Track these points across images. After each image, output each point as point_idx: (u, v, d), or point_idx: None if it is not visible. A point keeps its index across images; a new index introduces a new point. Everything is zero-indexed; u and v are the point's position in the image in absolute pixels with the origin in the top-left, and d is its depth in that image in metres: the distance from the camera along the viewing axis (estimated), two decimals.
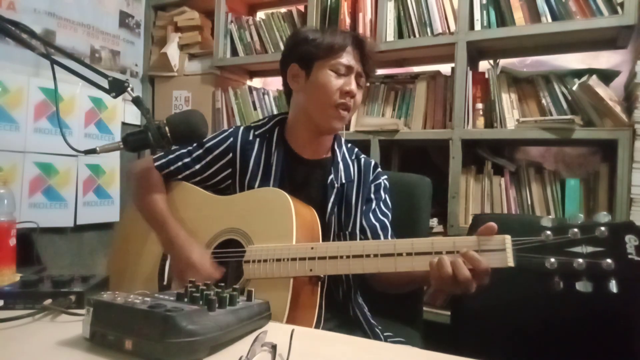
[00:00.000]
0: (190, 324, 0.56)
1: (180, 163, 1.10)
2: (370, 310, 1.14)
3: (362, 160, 1.17)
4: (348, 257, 0.86)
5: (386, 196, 1.18)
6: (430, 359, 0.63)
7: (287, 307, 0.85)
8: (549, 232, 0.72)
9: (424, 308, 1.78)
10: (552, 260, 0.71)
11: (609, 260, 0.67)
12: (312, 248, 0.89)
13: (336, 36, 1.05)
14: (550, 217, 0.74)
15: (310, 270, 0.87)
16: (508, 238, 0.76)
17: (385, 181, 1.19)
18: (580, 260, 0.69)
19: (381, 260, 0.84)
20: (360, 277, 1.12)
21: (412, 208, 1.29)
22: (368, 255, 0.85)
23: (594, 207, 1.60)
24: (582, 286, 0.69)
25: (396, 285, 1.07)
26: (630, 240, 0.67)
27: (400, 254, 0.83)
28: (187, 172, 1.10)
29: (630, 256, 0.66)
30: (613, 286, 0.67)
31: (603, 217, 0.70)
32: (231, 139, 1.11)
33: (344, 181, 1.10)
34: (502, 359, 0.83)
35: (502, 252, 0.76)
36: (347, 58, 1.04)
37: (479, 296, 1.10)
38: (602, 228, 0.69)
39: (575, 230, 0.70)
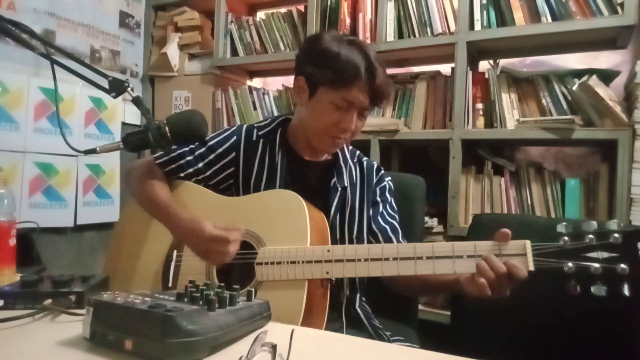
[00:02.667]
0: (190, 324, 0.56)
1: (182, 161, 1.08)
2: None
3: (365, 163, 1.17)
4: (367, 260, 0.86)
5: (392, 198, 1.17)
6: (430, 359, 0.63)
7: (303, 310, 0.84)
8: (566, 238, 0.76)
9: (424, 308, 1.78)
10: (570, 264, 0.75)
11: (623, 265, 0.71)
12: (328, 251, 0.88)
13: (350, 63, 0.96)
14: (564, 223, 0.77)
15: (327, 273, 0.87)
16: (528, 243, 0.79)
17: (389, 183, 1.18)
18: (597, 265, 0.73)
19: (401, 263, 0.84)
20: (371, 282, 1.11)
21: (407, 208, 1.29)
22: (387, 259, 0.85)
23: (594, 207, 1.60)
24: (597, 290, 0.73)
25: (421, 290, 1.06)
26: None
27: (420, 258, 0.84)
28: (190, 170, 1.09)
29: None
30: (625, 290, 0.71)
31: (614, 224, 0.74)
32: (234, 137, 1.10)
33: (346, 184, 1.10)
34: (502, 359, 0.83)
35: (523, 257, 0.79)
36: (354, 94, 0.97)
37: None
38: (616, 235, 0.73)
39: (591, 236, 0.74)
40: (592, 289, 0.73)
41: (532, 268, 0.77)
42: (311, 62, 1.02)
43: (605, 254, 0.73)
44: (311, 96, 1.03)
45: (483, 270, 0.80)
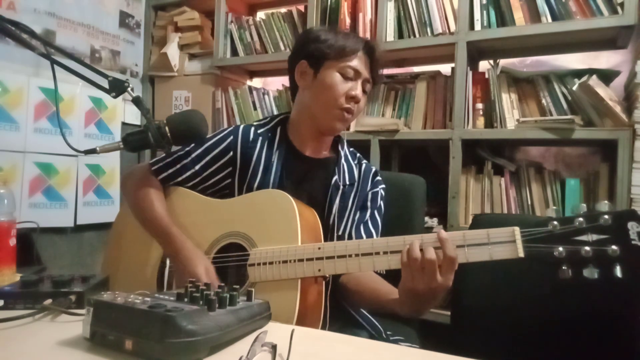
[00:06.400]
0: (190, 324, 0.56)
1: (179, 165, 1.08)
2: None
3: (363, 165, 1.17)
4: (357, 255, 0.85)
5: (382, 203, 1.16)
6: (430, 359, 0.63)
7: (297, 309, 0.84)
8: (555, 223, 0.74)
9: None
10: (560, 249, 0.73)
11: (614, 247, 0.70)
12: (319, 248, 0.88)
13: (349, 39, 1.06)
14: (554, 207, 0.76)
15: (319, 270, 0.87)
16: (517, 229, 0.78)
17: (382, 190, 1.17)
18: (587, 248, 0.72)
19: (392, 257, 0.83)
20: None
21: (407, 208, 1.29)
22: (378, 253, 0.84)
23: (594, 207, 1.59)
24: (588, 273, 0.71)
25: (367, 304, 1.06)
26: (632, 227, 0.70)
27: None
28: (187, 174, 1.08)
29: (633, 242, 0.69)
30: (618, 271, 0.69)
31: (604, 205, 0.73)
32: (231, 137, 1.10)
33: (347, 183, 1.10)
34: (502, 359, 0.83)
35: (512, 244, 0.77)
36: (357, 63, 1.05)
37: (479, 295, 1.10)
38: (606, 216, 0.71)
39: (581, 219, 0.73)
40: (584, 272, 0.72)
41: (522, 254, 0.76)
42: (312, 44, 1.07)
43: (595, 237, 0.72)
44: (316, 74, 1.07)
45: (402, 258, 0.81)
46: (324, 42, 1.05)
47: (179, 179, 1.09)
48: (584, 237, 0.72)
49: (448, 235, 0.79)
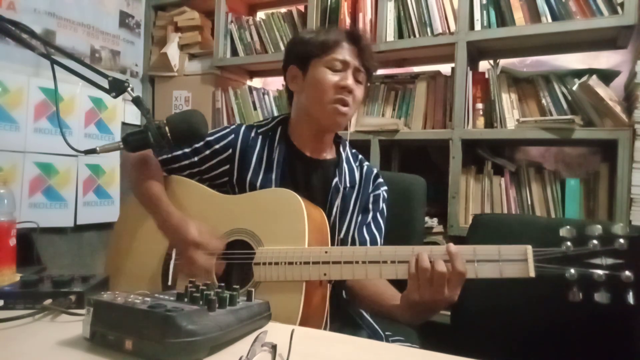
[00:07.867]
0: (190, 324, 0.56)
1: (179, 152, 1.09)
2: None
3: (365, 167, 1.17)
4: (365, 262, 0.85)
5: (384, 205, 1.16)
6: (430, 359, 0.63)
7: (300, 311, 0.84)
8: (569, 244, 0.73)
9: None
10: (572, 271, 0.72)
11: (627, 273, 0.68)
12: (326, 252, 0.87)
13: (330, 33, 1.06)
14: (567, 227, 0.74)
15: (325, 274, 0.86)
16: (529, 248, 0.76)
17: (384, 192, 1.17)
18: (600, 272, 0.70)
19: (399, 266, 0.83)
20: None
21: (407, 208, 1.29)
22: (385, 262, 0.84)
23: (594, 207, 1.60)
24: (600, 297, 0.70)
25: (369, 307, 1.06)
26: None
27: None
28: (185, 162, 1.09)
29: None
30: (630, 298, 0.68)
31: (620, 229, 0.71)
32: (232, 135, 1.10)
33: (348, 185, 1.10)
34: (501, 359, 0.83)
35: (524, 263, 0.76)
36: (342, 53, 1.04)
37: (479, 296, 1.10)
38: (622, 240, 0.70)
39: (595, 242, 0.71)
40: (596, 296, 0.70)
41: (532, 275, 0.75)
42: (297, 47, 1.09)
43: (609, 260, 0.70)
44: (305, 74, 1.07)
45: (410, 268, 0.80)
46: (307, 42, 1.07)
47: (177, 164, 1.09)
48: (597, 260, 0.71)
49: (458, 250, 0.78)
